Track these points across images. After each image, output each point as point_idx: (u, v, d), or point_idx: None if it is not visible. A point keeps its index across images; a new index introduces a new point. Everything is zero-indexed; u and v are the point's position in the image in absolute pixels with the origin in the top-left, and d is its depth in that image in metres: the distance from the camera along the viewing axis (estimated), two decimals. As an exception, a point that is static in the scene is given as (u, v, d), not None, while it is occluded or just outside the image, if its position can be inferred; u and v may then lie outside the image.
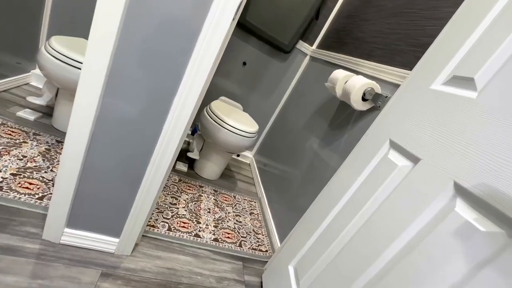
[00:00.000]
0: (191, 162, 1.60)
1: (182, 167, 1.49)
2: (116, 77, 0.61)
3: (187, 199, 1.28)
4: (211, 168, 1.51)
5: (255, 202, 1.57)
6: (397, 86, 0.91)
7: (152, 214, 1.08)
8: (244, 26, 1.51)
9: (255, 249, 1.21)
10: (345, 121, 1.14)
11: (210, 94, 1.74)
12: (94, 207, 0.78)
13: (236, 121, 1.33)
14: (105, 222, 0.81)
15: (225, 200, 1.44)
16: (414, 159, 0.60)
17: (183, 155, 1.64)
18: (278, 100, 1.87)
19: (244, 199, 1.54)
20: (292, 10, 1.51)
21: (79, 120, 0.62)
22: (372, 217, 0.64)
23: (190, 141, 1.65)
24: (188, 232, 1.09)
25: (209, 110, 1.36)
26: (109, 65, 0.58)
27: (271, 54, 1.69)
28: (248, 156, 2.04)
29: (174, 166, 1.47)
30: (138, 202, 0.79)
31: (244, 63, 1.69)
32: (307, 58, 1.74)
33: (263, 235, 1.33)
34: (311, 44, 1.71)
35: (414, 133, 0.62)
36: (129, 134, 0.69)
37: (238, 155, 2.02)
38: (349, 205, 0.75)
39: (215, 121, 1.31)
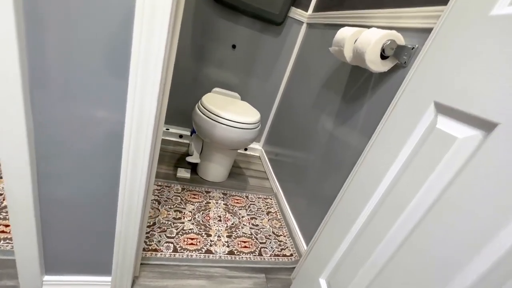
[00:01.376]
0: (194, 167, 1.45)
1: (184, 173, 1.34)
2: (39, 79, 0.44)
3: (193, 209, 1.14)
4: (216, 169, 1.35)
5: (271, 199, 1.41)
6: (427, 30, 0.69)
7: (153, 235, 0.94)
8: (224, 3, 1.30)
9: (278, 255, 1.05)
10: (361, 90, 0.93)
11: (203, 87, 1.56)
12: (69, 246, 0.64)
13: (232, 113, 1.15)
14: (88, 261, 0.67)
15: (237, 202, 1.28)
16: (486, 125, 0.40)
17: (183, 160, 1.49)
18: (279, 81, 1.66)
19: (258, 198, 1.38)
20: None
21: (11, 144, 0.47)
22: (427, 218, 0.45)
23: (190, 143, 1.49)
24: (198, 250, 0.95)
25: (201, 106, 1.19)
26: (25, 64, 0.41)
27: (261, 29, 1.48)
28: (257, 148, 1.87)
29: (175, 174, 1.33)
30: (121, 229, 0.64)
31: (234, 46, 1.49)
32: (304, 26, 1.51)
33: (285, 236, 1.17)
34: (306, 10, 1.47)
35: (476, 87, 0.42)
36: (81, 151, 0.53)
37: (245, 149, 1.85)
38: (388, 201, 0.56)
39: (208, 117, 1.14)
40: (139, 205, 0.61)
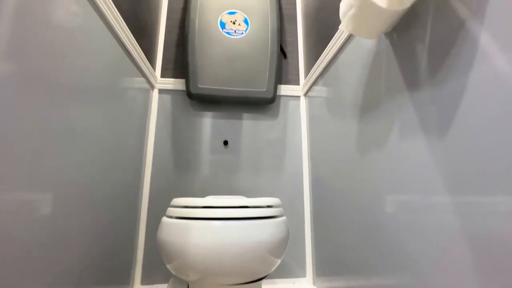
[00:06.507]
0: None
1: None
2: None
3: None
4: None
5: None
6: None
7: None
8: (201, 96, 1.12)
9: None
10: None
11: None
12: None
13: (223, 198, 0.61)
14: None
15: None
16: None
17: None
18: (298, 168, 1.18)
19: None
20: (251, 59, 1.17)
21: None
22: None
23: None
24: None
25: (169, 209, 0.66)
26: None
27: (254, 115, 1.21)
28: (306, 291, 1.05)
29: None
30: None
31: (226, 143, 1.17)
32: (302, 99, 1.26)
33: None
34: (297, 83, 1.28)
35: None
36: None
37: (287, 298, 1.03)
38: None
39: (178, 216, 0.59)
40: None
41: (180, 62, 1.23)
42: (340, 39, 0.83)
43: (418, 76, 0.51)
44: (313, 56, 1.13)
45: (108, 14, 0.69)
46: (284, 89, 1.25)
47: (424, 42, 0.50)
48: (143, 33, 1.00)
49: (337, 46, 0.85)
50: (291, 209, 1.13)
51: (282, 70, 1.29)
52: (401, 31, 0.57)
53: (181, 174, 1.10)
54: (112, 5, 0.70)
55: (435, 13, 0.48)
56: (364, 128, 0.70)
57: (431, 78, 0.48)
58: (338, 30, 0.84)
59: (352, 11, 0.54)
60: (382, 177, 0.61)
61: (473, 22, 0.40)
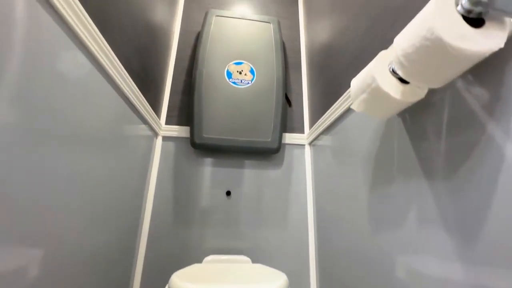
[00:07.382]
0: None
1: None
2: None
3: None
4: None
5: None
6: None
7: None
8: (205, 146, 1.10)
9: None
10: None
11: (190, 260, 1.01)
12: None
13: (222, 283, 0.56)
14: None
15: None
16: None
17: None
18: (303, 221, 1.13)
19: None
20: (257, 109, 1.18)
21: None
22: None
23: None
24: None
25: (168, 289, 0.61)
26: None
27: (258, 163, 1.19)
28: None
29: None
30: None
31: (228, 193, 1.13)
32: (307, 148, 1.24)
33: None
34: (302, 132, 1.27)
35: None
36: None
37: None
38: None
39: (177, 307, 0.54)
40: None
41: (185, 109, 1.23)
42: (349, 100, 0.83)
43: (434, 164, 0.49)
44: (319, 106, 1.12)
45: (113, 71, 0.68)
46: (289, 137, 1.24)
47: (440, 131, 0.49)
48: (150, 83, 1.01)
49: (345, 107, 0.85)
50: (296, 263, 1.07)
51: (287, 118, 1.29)
52: (414, 114, 0.56)
53: (181, 226, 1.05)
54: (118, 63, 0.70)
55: (449, 104, 0.47)
56: (375, 198, 0.67)
57: (449, 176, 0.45)
58: (347, 90, 0.83)
59: (364, 96, 0.54)
60: (397, 251, 0.56)
61: (491, 121, 0.38)
